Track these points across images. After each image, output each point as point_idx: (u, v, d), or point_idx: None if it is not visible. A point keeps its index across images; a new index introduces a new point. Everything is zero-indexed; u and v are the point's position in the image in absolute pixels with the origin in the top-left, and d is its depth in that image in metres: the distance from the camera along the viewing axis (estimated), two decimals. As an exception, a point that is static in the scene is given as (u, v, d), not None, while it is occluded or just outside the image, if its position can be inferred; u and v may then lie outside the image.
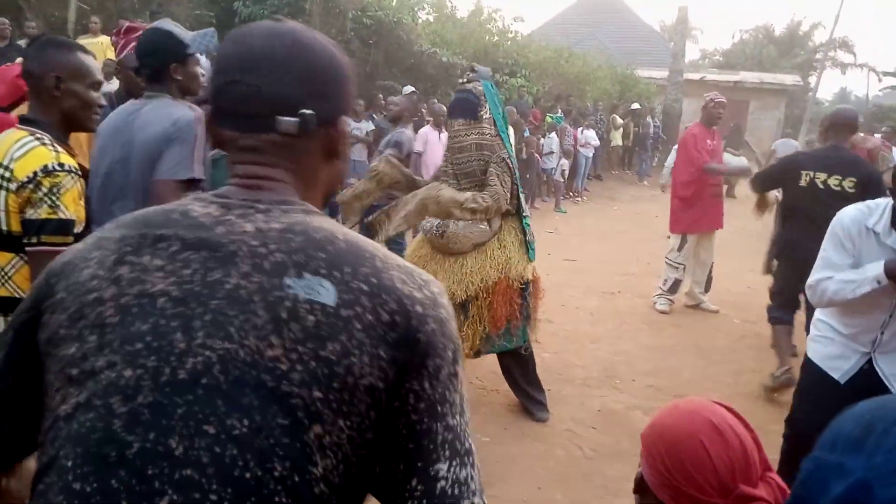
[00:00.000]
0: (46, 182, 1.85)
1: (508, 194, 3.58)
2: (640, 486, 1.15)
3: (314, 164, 0.92)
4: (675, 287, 6.26)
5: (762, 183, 4.71)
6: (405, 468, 0.82)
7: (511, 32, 15.47)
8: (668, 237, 6.39)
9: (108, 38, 8.68)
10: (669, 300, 6.27)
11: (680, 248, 6.14)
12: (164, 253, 0.81)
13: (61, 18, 8.86)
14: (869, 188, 3.88)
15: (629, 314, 6.12)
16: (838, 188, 4.01)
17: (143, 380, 0.75)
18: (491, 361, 4.29)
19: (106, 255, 0.83)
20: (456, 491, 0.81)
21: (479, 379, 4.32)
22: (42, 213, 1.86)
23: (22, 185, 1.85)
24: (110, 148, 2.30)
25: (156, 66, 2.33)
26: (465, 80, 3.74)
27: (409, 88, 9.77)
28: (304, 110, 0.86)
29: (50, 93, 1.98)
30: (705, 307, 6.35)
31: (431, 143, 7.77)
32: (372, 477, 0.84)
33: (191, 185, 2.23)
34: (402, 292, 0.83)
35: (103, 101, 2.13)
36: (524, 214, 3.71)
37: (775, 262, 4.62)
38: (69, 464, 0.75)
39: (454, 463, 0.82)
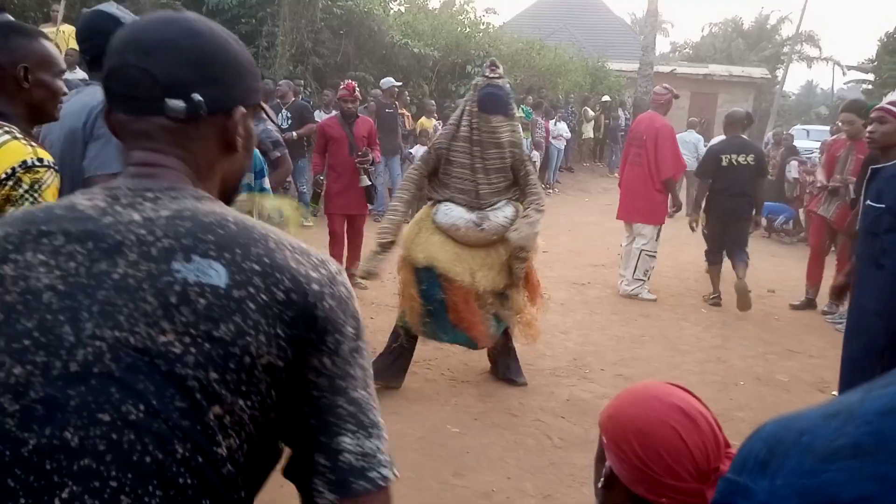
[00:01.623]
0: (27, 178, 1.77)
1: None
2: (610, 482, 1.10)
3: (208, 154, 0.90)
4: (650, 275, 6.45)
5: (703, 172, 6.41)
6: (310, 445, 0.83)
7: (483, 24, 15.43)
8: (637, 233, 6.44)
9: (71, 27, 8.49)
10: (646, 287, 6.42)
11: (657, 238, 6.36)
12: (47, 248, 0.80)
13: (21, 5, 8.63)
14: (761, 160, 6.26)
15: (599, 305, 6.18)
16: (745, 162, 6.06)
17: (33, 376, 0.75)
18: (461, 353, 4.30)
19: None
20: (361, 463, 0.82)
21: (449, 370, 4.33)
22: None
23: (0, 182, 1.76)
24: (46, 134, 2.22)
25: (94, 51, 2.18)
26: (493, 74, 3.69)
27: (389, 80, 9.68)
28: (195, 95, 0.85)
29: (18, 84, 1.88)
30: (644, 297, 6.45)
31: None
32: (277, 458, 0.85)
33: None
34: (296, 271, 0.83)
35: (66, 90, 2.03)
36: None
37: (703, 220, 6.40)
38: None
39: (359, 435, 0.83)
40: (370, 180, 5.72)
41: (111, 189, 0.85)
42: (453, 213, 3.70)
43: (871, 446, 0.56)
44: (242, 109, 0.91)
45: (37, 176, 1.78)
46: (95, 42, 2.19)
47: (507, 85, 3.73)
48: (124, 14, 2.32)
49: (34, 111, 1.94)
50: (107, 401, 0.75)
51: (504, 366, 4.14)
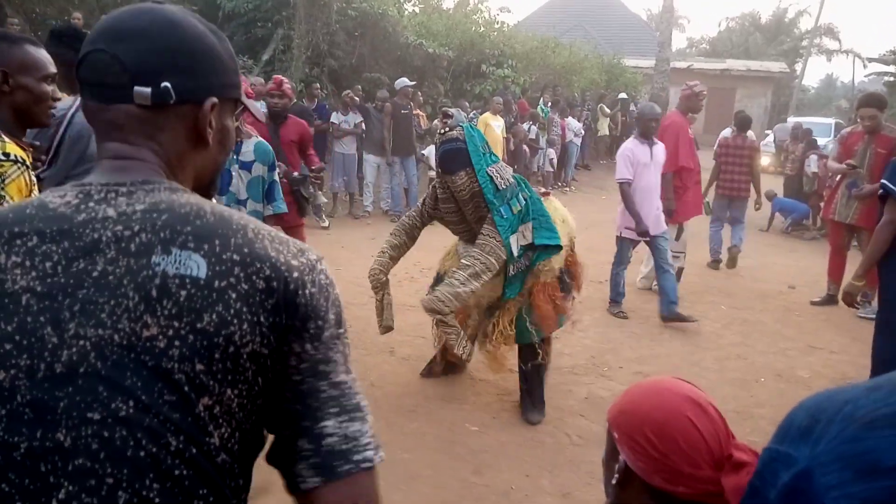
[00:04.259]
0: None
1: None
2: (625, 478, 1.11)
3: (178, 147, 0.89)
4: (679, 275, 6.21)
5: None
6: (293, 430, 0.84)
7: (497, 23, 15.42)
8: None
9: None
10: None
11: (678, 238, 6.23)
12: (21, 249, 0.79)
13: (42, 14, 8.77)
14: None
15: (617, 302, 6.15)
16: None
17: (17, 379, 0.75)
18: (478, 352, 4.31)
19: None
20: (345, 446, 0.83)
21: (468, 368, 4.33)
22: None
23: None
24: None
25: None
26: (445, 129, 3.57)
27: (403, 81, 9.72)
28: (164, 83, 0.85)
29: None
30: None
31: (641, 164, 5.48)
32: (262, 445, 0.86)
33: None
34: (276, 259, 0.83)
35: (58, 94, 2.07)
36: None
37: None
38: None
39: (342, 419, 0.84)
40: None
41: (83, 185, 0.85)
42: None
43: None
44: (214, 100, 0.90)
45: (0, 170, 1.81)
46: None
47: (461, 133, 3.49)
48: None
49: (20, 115, 1.99)
50: (95, 399, 0.75)
51: (525, 400, 3.87)
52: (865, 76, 33.84)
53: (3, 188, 1.82)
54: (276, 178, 4.00)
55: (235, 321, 0.79)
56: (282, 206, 4.03)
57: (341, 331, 0.88)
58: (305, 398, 0.83)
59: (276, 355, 0.82)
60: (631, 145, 5.60)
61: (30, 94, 1.98)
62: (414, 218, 3.89)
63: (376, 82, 11.05)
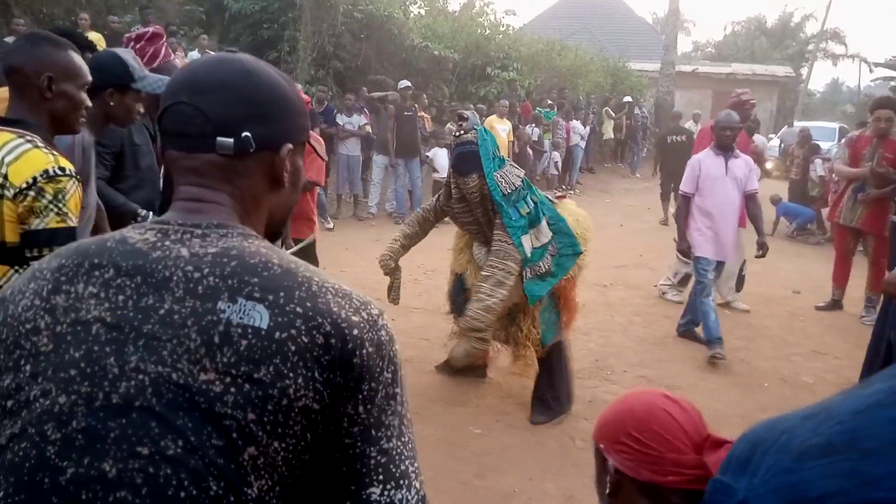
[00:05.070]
0: (49, 188, 1.73)
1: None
2: (616, 486, 1.16)
3: (255, 190, 0.93)
4: (685, 280, 6.13)
5: (658, 146, 11.40)
6: (339, 492, 0.84)
7: (503, 26, 15.44)
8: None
9: (98, 34, 8.66)
10: (679, 290, 6.25)
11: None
12: (98, 280, 0.83)
13: (49, 15, 8.81)
14: (690, 137, 10.03)
15: (621, 306, 6.14)
16: (680, 140, 10.40)
17: (76, 405, 0.77)
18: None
19: (42, 285, 0.85)
20: None
21: (472, 371, 4.33)
22: (51, 222, 1.74)
23: (20, 192, 1.72)
24: None
25: (93, 84, 2.17)
26: (460, 131, 3.67)
27: (404, 83, 9.74)
28: (244, 132, 0.88)
29: (42, 93, 1.87)
30: (735, 306, 6.20)
31: (711, 178, 4.83)
32: (308, 499, 0.85)
33: None
34: (337, 315, 0.83)
35: (90, 103, 2.02)
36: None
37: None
38: (1, 494, 0.76)
39: (388, 486, 0.84)
40: None
41: (162, 223, 0.88)
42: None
43: (842, 445, 0.58)
44: (290, 146, 0.93)
45: (59, 185, 1.75)
46: (95, 76, 2.23)
47: (475, 136, 3.56)
48: (138, 66, 2.48)
49: (56, 122, 1.93)
50: (146, 435, 0.76)
51: (538, 401, 3.88)
52: (871, 81, 33.84)
53: (65, 205, 1.76)
54: None
55: (291, 375, 0.79)
56: None
57: (397, 390, 0.87)
58: (353, 462, 0.83)
59: (327, 413, 0.82)
60: (702, 156, 4.97)
61: (69, 102, 1.93)
62: (428, 212, 4.01)
63: (381, 84, 11.07)
